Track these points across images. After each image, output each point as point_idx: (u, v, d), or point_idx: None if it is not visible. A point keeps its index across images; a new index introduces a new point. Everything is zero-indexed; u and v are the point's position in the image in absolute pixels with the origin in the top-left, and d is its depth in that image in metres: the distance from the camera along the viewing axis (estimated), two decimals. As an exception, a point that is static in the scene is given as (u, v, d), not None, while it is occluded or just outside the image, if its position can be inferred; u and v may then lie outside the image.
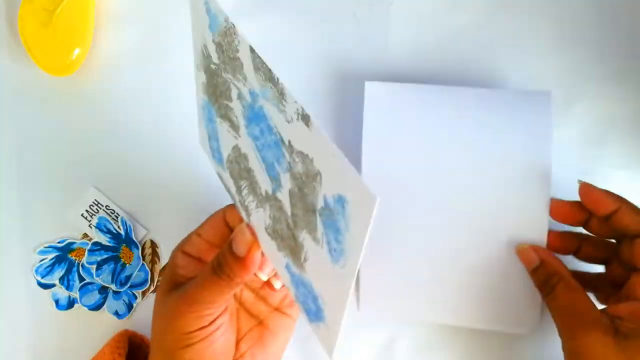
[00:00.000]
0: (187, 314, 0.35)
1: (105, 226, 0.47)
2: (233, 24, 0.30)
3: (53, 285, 0.48)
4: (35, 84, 0.48)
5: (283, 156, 0.30)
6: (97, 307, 0.47)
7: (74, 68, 0.47)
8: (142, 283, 0.47)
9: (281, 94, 0.28)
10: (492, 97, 0.41)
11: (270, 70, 0.28)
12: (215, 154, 0.38)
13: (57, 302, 0.48)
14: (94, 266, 0.47)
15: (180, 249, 0.38)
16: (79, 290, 0.47)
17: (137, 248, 0.47)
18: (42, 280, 0.48)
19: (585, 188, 0.39)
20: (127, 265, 0.47)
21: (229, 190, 0.38)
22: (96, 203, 0.48)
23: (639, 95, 0.46)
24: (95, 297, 0.47)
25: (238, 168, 0.35)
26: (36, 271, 0.48)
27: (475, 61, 0.46)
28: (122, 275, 0.47)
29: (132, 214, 0.48)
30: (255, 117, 0.31)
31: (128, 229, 0.47)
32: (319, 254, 0.29)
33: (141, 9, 0.48)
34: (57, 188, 0.48)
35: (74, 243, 0.48)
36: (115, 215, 0.47)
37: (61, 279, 0.48)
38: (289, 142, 0.29)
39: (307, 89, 0.47)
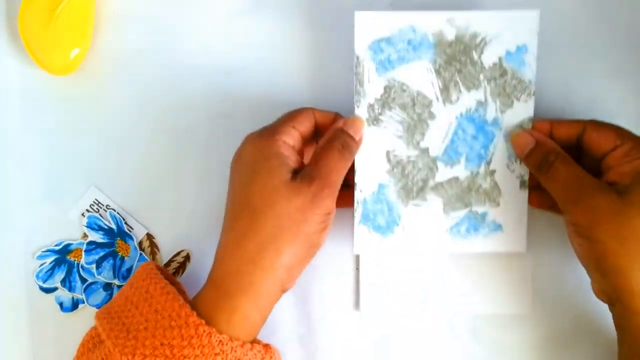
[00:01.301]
0: (326, 197, 0.38)
1: (95, 224, 0.48)
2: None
3: (55, 289, 0.48)
4: (35, 84, 0.48)
5: None
6: (105, 305, 0.48)
7: (74, 68, 0.47)
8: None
9: None
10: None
11: None
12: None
13: (61, 305, 0.48)
14: (94, 265, 0.47)
15: (281, 139, 0.40)
16: (83, 291, 0.47)
17: (132, 239, 0.48)
18: (44, 285, 0.48)
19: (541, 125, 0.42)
20: (126, 258, 0.48)
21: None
22: (96, 202, 0.48)
23: (639, 95, 0.46)
24: (101, 295, 0.47)
25: None
26: (37, 276, 0.48)
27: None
28: (123, 269, 0.48)
29: (132, 213, 0.48)
30: None
31: (119, 222, 0.47)
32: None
33: (141, 9, 0.48)
34: (58, 188, 0.48)
35: (71, 244, 0.48)
36: (104, 210, 0.48)
37: (62, 282, 0.48)
38: None
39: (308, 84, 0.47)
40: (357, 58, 0.42)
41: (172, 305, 0.37)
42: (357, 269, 0.46)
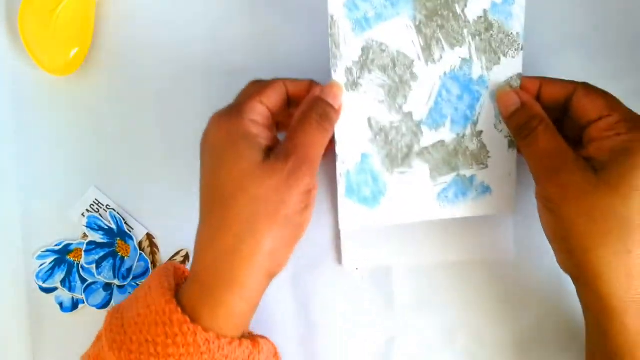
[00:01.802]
0: (305, 174, 0.35)
1: (95, 224, 0.48)
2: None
3: (55, 289, 0.48)
4: (35, 84, 0.48)
5: None
6: (105, 305, 0.47)
7: (74, 68, 0.47)
8: (144, 273, 0.48)
9: None
10: None
11: None
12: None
13: (61, 305, 0.48)
14: (94, 265, 0.47)
15: (248, 118, 0.37)
16: (83, 291, 0.47)
17: (132, 239, 0.48)
18: (44, 285, 0.48)
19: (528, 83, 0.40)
20: (126, 258, 0.48)
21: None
22: (97, 202, 0.48)
23: (638, 94, 0.46)
24: (101, 295, 0.47)
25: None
26: (37, 276, 0.48)
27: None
28: (123, 269, 0.48)
29: (132, 213, 0.48)
30: None
31: (119, 222, 0.47)
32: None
33: (141, 9, 0.48)
34: (58, 188, 0.48)
35: (71, 244, 0.48)
36: (104, 210, 0.48)
37: (62, 282, 0.48)
38: None
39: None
40: (332, 17, 0.39)
41: (159, 301, 0.35)
42: (357, 268, 0.46)
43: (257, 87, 0.39)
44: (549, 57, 0.46)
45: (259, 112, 0.38)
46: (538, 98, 0.40)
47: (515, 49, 0.40)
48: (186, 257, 0.48)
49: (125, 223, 0.48)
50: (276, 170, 0.35)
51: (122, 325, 0.35)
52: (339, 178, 0.41)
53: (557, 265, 0.46)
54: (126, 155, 0.48)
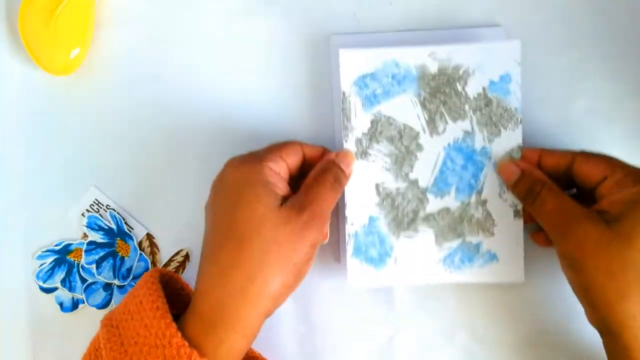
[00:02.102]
0: (316, 227, 0.38)
1: (95, 224, 0.48)
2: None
3: (55, 289, 0.48)
4: (35, 84, 0.48)
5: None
6: (105, 305, 0.47)
7: (74, 68, 0.47)
8: (144, 273, 0.47)
9: None
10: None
11: None
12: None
13: (61, 305, 0.48)
14: (94, 265, 0.47)
15: (268, 167, 0.39)
16: (83, 291, 0.47)
17: (132, 239, 0.48)
18: (44, 285, 0.48)
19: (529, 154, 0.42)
20: (126, 258, 0.48)
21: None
22: (97, 202, 0.48)
23: (639, 95, 0.46)
24: (101, 295, 0.47)
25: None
26: (37, 276, 0.48)
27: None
28: (123, 269, 0.48)
29: (132, 213, 0.48)
30: None
31: (119, 222, 0.47)
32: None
33: (141, 9, 0.48)
34: (58, 188, 0.48)
35: (71, 244, 0.48)
36: (104, 210, 0.48)
37: (63, 282, 0.48)
38: None
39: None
40: (343, 94, 0.43)
41: (159, 323, 0.36)
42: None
43: (278, 145, 0.41)
44: (549, 58, 0.46)
45: (279, 164, 0.40)
46: (539, 167, 0.42)
47: (515, 123, 0.43)
48: (186, 257, 0.48)
49: (125, 223, 0.48)
50: (291, 219, 0.37)
51: (121, 343, 0.36)
52: (347, 239, 0.44)
53: (557, 266, 0.46)
54: (126, 155, 0.48)
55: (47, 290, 0.48)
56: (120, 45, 0.48)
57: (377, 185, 0.43)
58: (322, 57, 0.47)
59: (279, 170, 0.40)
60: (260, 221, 0.37)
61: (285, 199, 0.38)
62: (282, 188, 0.39)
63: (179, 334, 0.35)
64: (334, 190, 0.40)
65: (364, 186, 0.43)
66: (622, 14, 0.46)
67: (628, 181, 0.38)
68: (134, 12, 0.48)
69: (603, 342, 0.39)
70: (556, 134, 0.46)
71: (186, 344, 0.35)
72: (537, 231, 0.44)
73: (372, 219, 0.44)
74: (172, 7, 0.48)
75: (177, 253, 0.48)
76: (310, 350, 0.46)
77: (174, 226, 0.48)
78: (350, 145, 0.43)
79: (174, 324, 0.36)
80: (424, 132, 0.43)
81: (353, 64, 0.43)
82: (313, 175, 0.41)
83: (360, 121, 0.43)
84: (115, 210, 0.48)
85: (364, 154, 0.43)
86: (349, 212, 0.43)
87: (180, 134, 0.48)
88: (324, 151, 0.43)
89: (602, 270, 0.36)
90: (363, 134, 0.43)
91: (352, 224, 0.43)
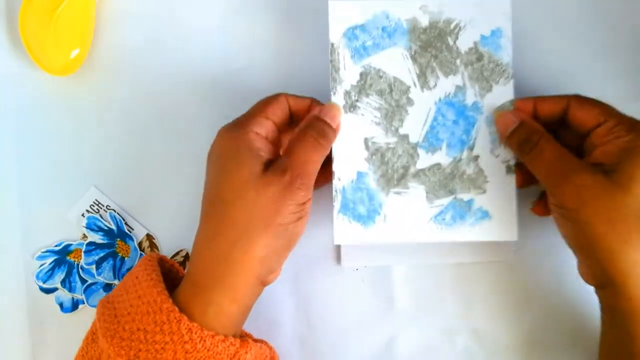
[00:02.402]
0: (299, 187, 0.37)
1: (95, 224, 0.47)
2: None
3: (55, 289, 0.48)
4: (35, 84, 0.48)
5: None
6: (105, 306, 0.48)
7: (74, 68, 0.47)
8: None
9: None
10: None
11: None
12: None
13: (61, 305, 0.48)
14: (94, 266, 0.47)
15: (253, 131, 0.39)
16: (83, 292, 0.47)
17: (132, 240, 0.48)
18: (44, 285, 0.48)
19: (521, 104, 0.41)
20: (126, 258, 0.48)
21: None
22: (96, 203, 0.48)
23: (639, 95, 0.46)
24: (101, 296, 0.47)
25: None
26: (37, 277, 0.48)
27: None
28: (124, 269, 0.48)
29: (132, 213, 0.48)
30: None
31: (119, 222, 0.47)
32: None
33: (141, 9, 0.48)
34: (58, 188, 0.48)
35: (71, 245, 0.48)
36: (104, 211, 0.48)
37: (62, 282, 0.48)
38: None
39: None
40: (332, 45, 0.42)
41: (151, 292, 0.37)
42: (357, 269, 0.47)
43: (263, 102, 0.41)
44: (549, 58, 0.46)
45: (265, 126, 0.40)
46: (534, 117, 0.41)
47: (506, 78, 0.42)
48: (186, 257, 0.48)
49: (125, 223, 0.48)
50: (273, 182, 0.37)
51: (114, 315, 0.37)
52: (334, 194, 0.42)
53: (557, 265, 0.46)
54: (126, 155, 0.48)
55: (47, 291, 0.48)
56: (121, 45, 0.48)
57: (365, 140, 0.42)
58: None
59: (265, 132, 0.39)
60: (244, 187, 0.37)
61: (272, 162, 0.38)
62: (268, 151, 0.39)
63: (170, 300, 0.36)
64: (319, 146, 0.39)
65: (352, 140, 0.42)
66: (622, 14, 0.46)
67: (620, 130, 0.38)
68: (134, 12, 0.48)
69: (600, 297, 0.38)
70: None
71: (176, 309, 0.36)
72: (537, 200, 0.43)
73: (360, 175, 0.43)
74: (172, 7, 0.48)
75: (177, 253, 0.48)
76: (311, 350, 0.46)
77: (174, 226, 0.48)
78: (338, 98, 0.42)
79: (165, 292, 0.37)
80: (415, 86, 0.42)
81: (342, 14, 0.42)
82: (296, 132, 0.40)
83: (349, 73, 0.42)
84: (115, 211, 0.48)
85: (352, 107, 0.42)
86: (336, 167, 0.42)
87: (181, 134, 0.48)
88: (312, 102, 0.42)
89: (602, 218, 0.35)
90: (352, 86, 0.42)
91: (339, 179, 0.42)
